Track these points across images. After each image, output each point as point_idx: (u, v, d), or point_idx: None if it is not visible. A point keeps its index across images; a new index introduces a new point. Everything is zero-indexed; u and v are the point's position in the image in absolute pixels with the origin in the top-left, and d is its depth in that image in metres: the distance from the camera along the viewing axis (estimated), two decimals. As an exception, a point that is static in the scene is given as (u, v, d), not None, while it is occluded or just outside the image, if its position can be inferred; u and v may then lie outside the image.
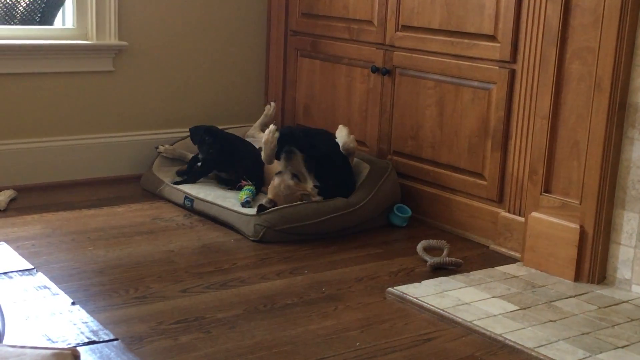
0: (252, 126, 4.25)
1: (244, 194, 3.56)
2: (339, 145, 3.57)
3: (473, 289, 2.89)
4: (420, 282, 2.93)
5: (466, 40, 3.45)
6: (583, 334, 2.58)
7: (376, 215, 3.58)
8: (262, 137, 3.51)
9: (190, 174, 3.84)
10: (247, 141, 3.98)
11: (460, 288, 2.89)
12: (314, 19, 4.23)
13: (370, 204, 3.52)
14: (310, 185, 3.45)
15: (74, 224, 3.42)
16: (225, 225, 3.47)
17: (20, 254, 2.98)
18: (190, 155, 4.00)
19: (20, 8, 4.17)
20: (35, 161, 3.93)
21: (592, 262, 3.00)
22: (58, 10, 4.27)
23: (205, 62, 4.36)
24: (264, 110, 4.26)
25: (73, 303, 2.57)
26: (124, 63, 4.12)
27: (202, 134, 3.83)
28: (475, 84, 3.44)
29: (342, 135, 3.62)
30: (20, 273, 2.79)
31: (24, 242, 3.15)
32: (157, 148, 4.06)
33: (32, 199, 3.73)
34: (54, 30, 4.08)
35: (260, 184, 3.72)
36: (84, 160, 4.06)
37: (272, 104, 4.26)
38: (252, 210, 3.40)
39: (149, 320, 2.54)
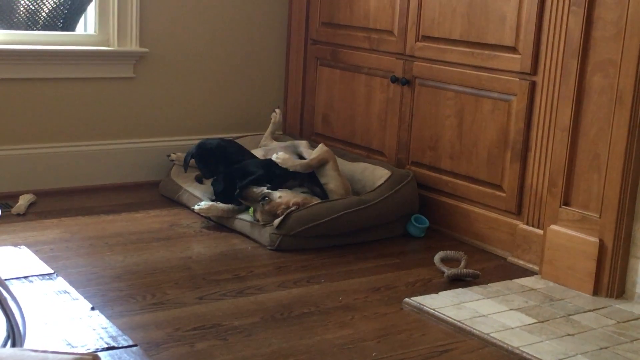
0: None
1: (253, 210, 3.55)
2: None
3: (490, 301, 2.88)
4: (437, 293, 2.92)
5: (487, 52, 3.45)
6: (601, 348, 2.56)
7: (392, 221, 3.57)
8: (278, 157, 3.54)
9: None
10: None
11: (478, 300, 2.88)
12: (334, 28, 4.23)
13: (385, 204, 3.52)
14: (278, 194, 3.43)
15: (92, 229, 3.44)
16: (242, 233, 3.48)
17: (39, 258, 3.00)
18: None
19: (43, 14, 4.20)
20: (54, 166, 3.96)
21: (611, 276, 2.98)
22: (80, 16, 4.30)
23: (225, 70, 4.37)
24: (271, 118, 4.24)
25: (92, 308, 2.59)
26: (145, 70, 4.14)
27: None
28: (495, 95, 3.44)
29: (314, 150, 3.65)
30: (40, 277, 2.81)
31: (42, 247, 3.17)
32: (169, 156, 4.07)
33: (51, 203, 3.75)
34: (75, 36, 4.11)
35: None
36: (103, 165, 4.08)
37: (277, 110, 4.24)
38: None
39: (165, 327, 2.55)
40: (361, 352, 2.47)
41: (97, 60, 4.01)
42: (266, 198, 3.38)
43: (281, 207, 3.37)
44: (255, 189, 3.42)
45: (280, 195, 3.40)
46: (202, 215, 3.62)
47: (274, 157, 3.54)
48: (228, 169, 3.62)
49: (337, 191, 3.54)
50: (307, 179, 3.54)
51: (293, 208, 3.36)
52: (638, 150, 2.90)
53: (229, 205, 3.54)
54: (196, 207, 3.56)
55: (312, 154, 3.61)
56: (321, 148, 3.62)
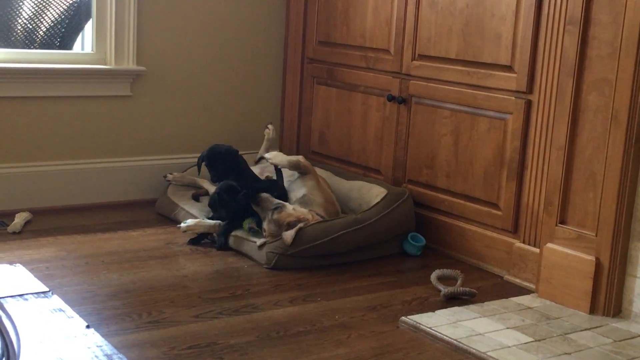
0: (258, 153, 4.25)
1: (247, 221, 3.54)
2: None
3: (487, 319, 2.87)
4: (434, 311, 2.92)
5: (482, 70, 3.46)
6: (598, 367, 2.56)
7: (389, 239, 3.58)
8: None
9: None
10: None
11: (474, 318, 2.87)
12: (330, 47, 4.25)
13: (381, 223, 3.52)
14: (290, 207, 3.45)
15: (88, 248, 3.43)
16: (238, 252, 3.47)
17: (34, 276, 2.99)
18: (200, 182, 3.99)
19: (41, 32, 4.22)
20: (50, 184, 3.95)
21: (608, 295, 2.98)
22: (77, 35, 4.32)
23: (222, 88, 4.38)
24: (264, 134, 4.26)
25: (87, 326, 2.58)
26: (142, 88, 4.15)
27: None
28: (491, 113, 3.45)
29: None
30: (35, 295, 2.80)
31: (38, 265, 3.16)
32: (165, 177, 4.07)
33: (47, 221, 3.74)
34: (73, 55, 4.13)
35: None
36: (100, 183, 4.08)
37: (270, 126, 4.26)
38: (264, 239, 3.40)
39: (161, 345, 2.54)
40: (357, 371, 2.46)
41: (94, 79, 4.02)
42: (278, 207, 3.38)
43: (292, 217, 3.36)
44: (269, 197, 3.42)
45: (294, 208, 3.41)
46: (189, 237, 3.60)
47: (266, 156, 3.73)
48: (230, 181, 3.65)
49: (315, 200, 3.55)
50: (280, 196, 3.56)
51: (301, 225, 3.35)
52: (634, 168, 2.91)
53: (216, 222, 3.54)
54: (183, 225, 3.55)
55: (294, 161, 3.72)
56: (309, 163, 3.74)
